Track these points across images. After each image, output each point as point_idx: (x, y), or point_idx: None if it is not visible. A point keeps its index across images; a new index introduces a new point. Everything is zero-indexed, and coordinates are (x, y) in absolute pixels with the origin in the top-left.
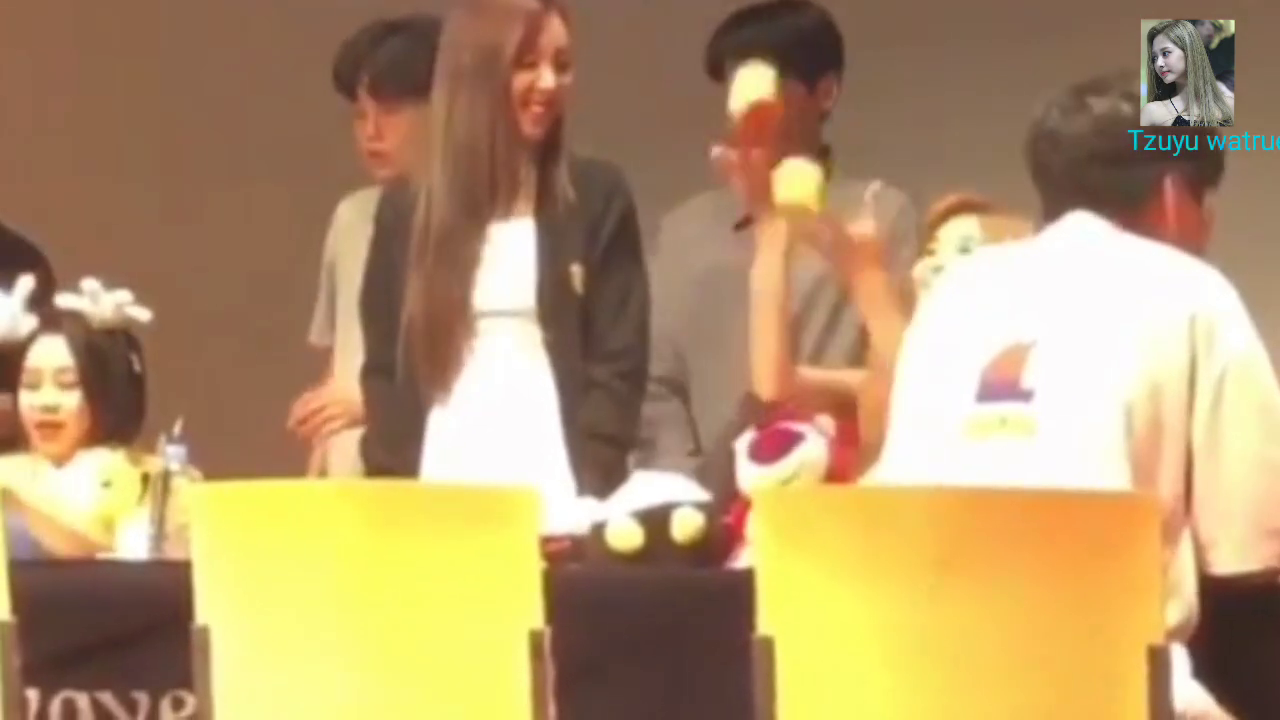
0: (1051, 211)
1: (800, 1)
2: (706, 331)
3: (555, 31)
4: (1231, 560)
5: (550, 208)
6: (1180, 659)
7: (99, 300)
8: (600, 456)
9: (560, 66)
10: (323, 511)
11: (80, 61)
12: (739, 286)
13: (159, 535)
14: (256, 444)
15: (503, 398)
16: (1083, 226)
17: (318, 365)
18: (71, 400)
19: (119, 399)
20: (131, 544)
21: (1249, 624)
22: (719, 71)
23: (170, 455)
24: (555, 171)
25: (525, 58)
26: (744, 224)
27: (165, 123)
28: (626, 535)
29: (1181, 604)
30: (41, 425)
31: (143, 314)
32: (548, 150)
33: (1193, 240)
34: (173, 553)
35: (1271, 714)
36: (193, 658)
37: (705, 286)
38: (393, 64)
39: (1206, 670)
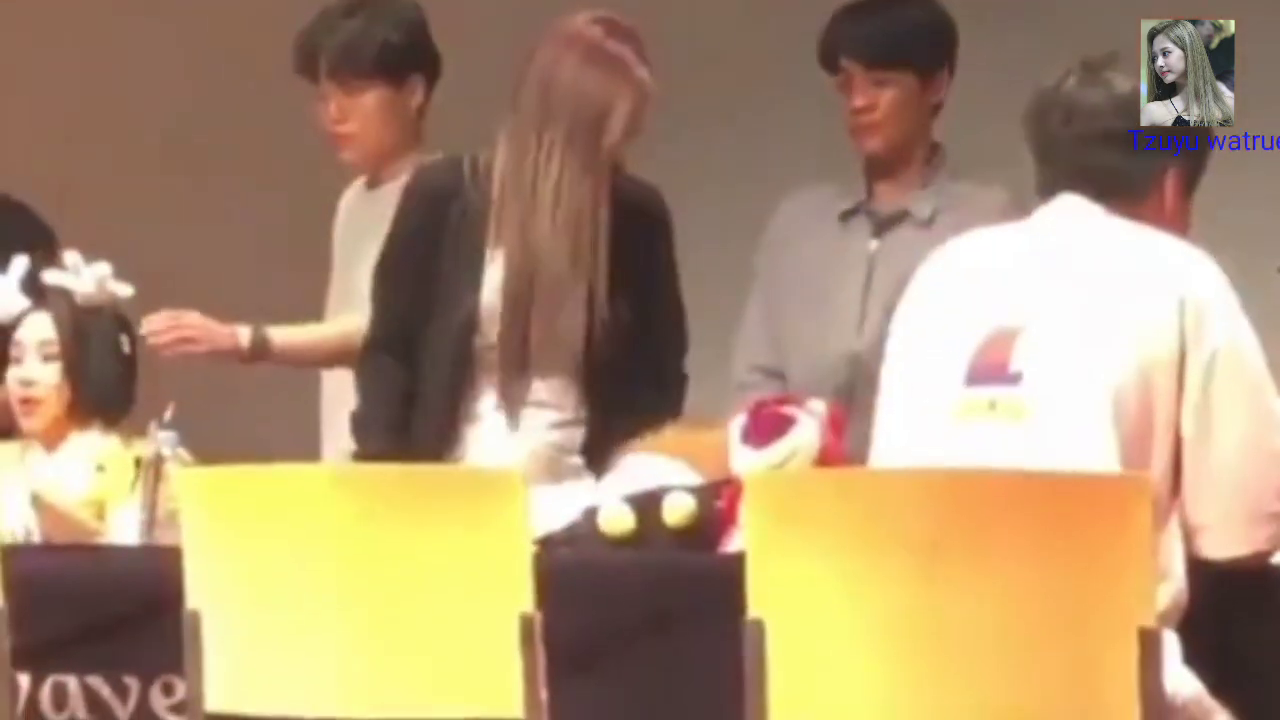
0: (1047, 186)
1: None
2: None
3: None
4: (1222, 545)
5: None
6: (1171, 644)
7: (80, 273)
8: None
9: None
10: (313, 496)
11: (93, 45)
12: (841, 278)
13: (150, 521)
14: (254, 430)
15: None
16: (1074, 209)
17: None
18: (51, 374)
19: (101, 376)
20: (123, 529)
21: (1240, 610)
22: (832, 65)
23: (161, 440)
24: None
25: (631, 133)
26: (849, 214)
27: (171, 111)
28: (618, 519)
29: (1170, 588)
30: (22, 400)
31: (124, 289)
32: None
33: (1177, 231)
34: (164, 538)
35: (1262, 700)
36: (183, 642)
37: (808, 279)
38: (351, 46)
39: (1197, 656)
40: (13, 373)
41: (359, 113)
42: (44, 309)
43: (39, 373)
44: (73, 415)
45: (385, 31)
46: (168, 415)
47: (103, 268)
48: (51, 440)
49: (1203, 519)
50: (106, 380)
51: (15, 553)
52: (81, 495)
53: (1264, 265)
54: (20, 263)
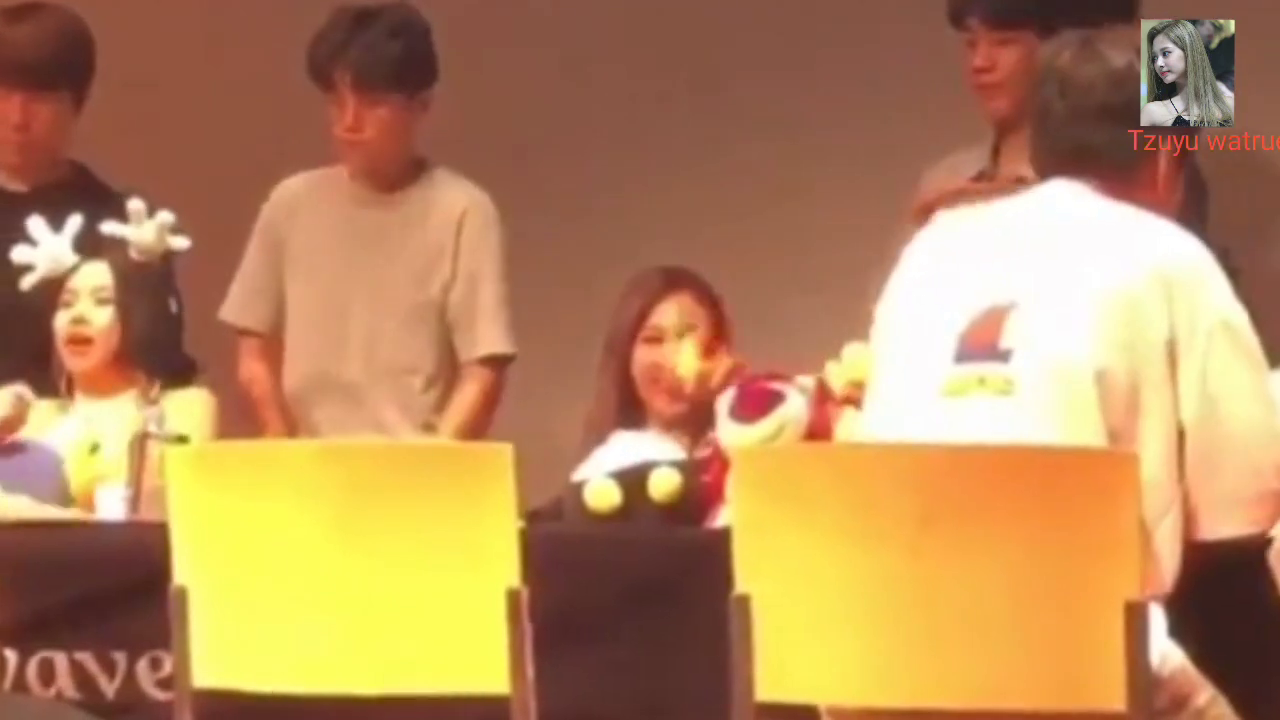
0: (1041, 162)
1: None
2: None
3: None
4: (1226, 524)
5: None
6: (1157, 618)
7: (142, 221)
8: None
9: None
10: (300, 471)
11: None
12: None
13: (136, 497)
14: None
15: None
16: (1064, 189)
17: None
18: (102, 316)
19: (149, 326)
20: (109, 506)
21: (1225, 584)
22: (960, 23)
23: (148, 417)
24: None
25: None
26: (980, 178)
27: (184, 95)
28: (604, 494)
29: (1166, 569)
30: (71, 340)
31: (182, 242)
32: None
33: (1168, 213)
34: (149, 514)
35: (1246, 674)
36: (170, 618)
37: None
38: (374, 57)
39: (1182, 630)
40: (64, 315)
41: (375, 122)
42: (98, 258)
43: (91, 312)
44: (118, 364)
45: (405, 44)
46: (154, 393)
47: (166, 216)
48: (99, 387)
49: (1206, 498)
50: (153, 330)
51: (1, 529)
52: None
53: (1262, 263)
54: (76, 220)
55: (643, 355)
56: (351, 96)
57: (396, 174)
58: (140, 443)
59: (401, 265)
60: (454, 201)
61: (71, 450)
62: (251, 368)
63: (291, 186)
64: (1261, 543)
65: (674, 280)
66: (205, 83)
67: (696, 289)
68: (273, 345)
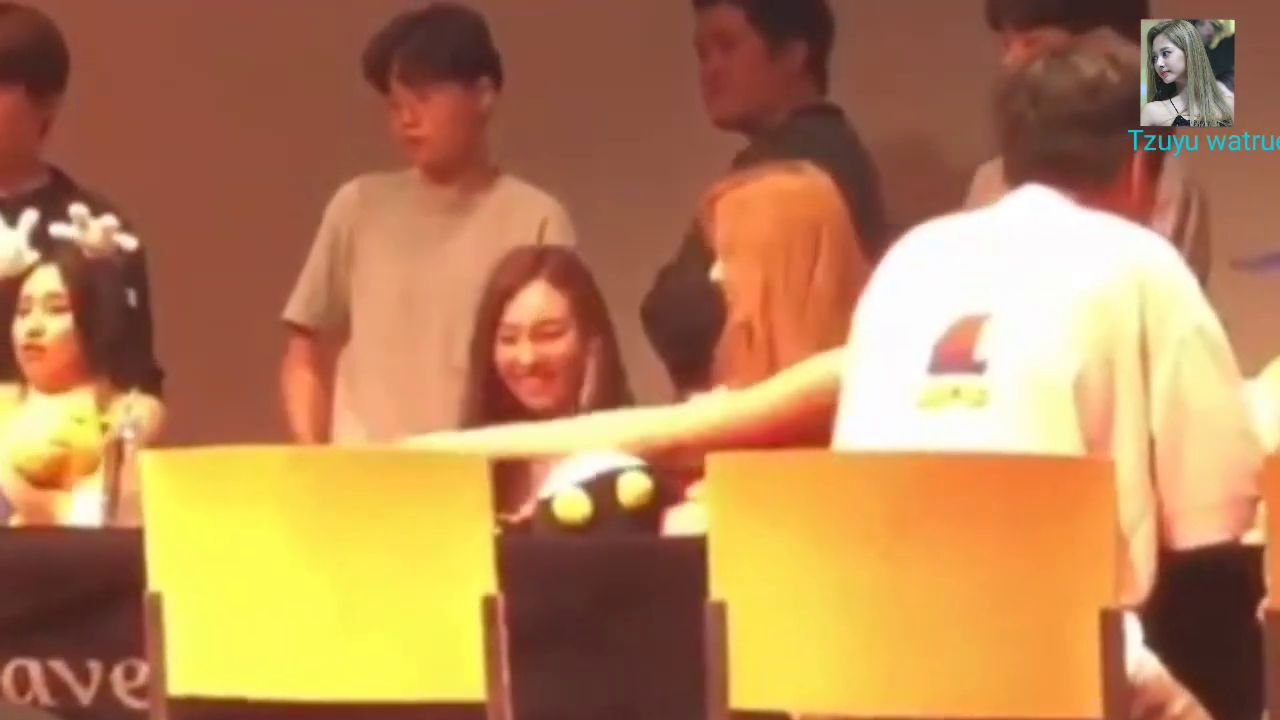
0: (1014, 173)
1: None
2: None
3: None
4: (1200, 532)
5: None
6: (1132, 627)
7: (87, 225)
8: None
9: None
10: (275, 478)
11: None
12: None
13: (112, 503)
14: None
15: None
16: (1038, 199)
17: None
18: (57, 325)
19: (108, 329)
20: (84, 512)
21: (1201, 593)
22: (997, 25)
23: (123, 423)
24: None
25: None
26: None
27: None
28: (574, 504)
29: (1144, 577)
30: (27, 348)
31: (129, 241)
32: None
33: (1144, 218)
34: (125, 520)
35: (1222, 683)
36: (145, 625)
37: None
38: (422, 49)
39: (1157, 639)
40: (20, 324)
41: (432, 115)
42: (50, 263)
43: (46, 324)
44: (79, 368)
45: (455, 33)
46: (132, 398)
47: (109, 220)
48: (49, 382)
49: (1178, 505)
50: (114, 333)
51: None
52: (48, 434)
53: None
54: (29, 216)
55: (501, 354)
56: (405, 92)
57: (467, 173)
58: (116, 448)
59: (478, 266)
60: (535, 207)
61: None
62: (302, 376)
63: (356, 189)
64: (1236, 550)
65: (535, 265)
66: (212, 87)
67: (555, 272)
68: (319, 349)
